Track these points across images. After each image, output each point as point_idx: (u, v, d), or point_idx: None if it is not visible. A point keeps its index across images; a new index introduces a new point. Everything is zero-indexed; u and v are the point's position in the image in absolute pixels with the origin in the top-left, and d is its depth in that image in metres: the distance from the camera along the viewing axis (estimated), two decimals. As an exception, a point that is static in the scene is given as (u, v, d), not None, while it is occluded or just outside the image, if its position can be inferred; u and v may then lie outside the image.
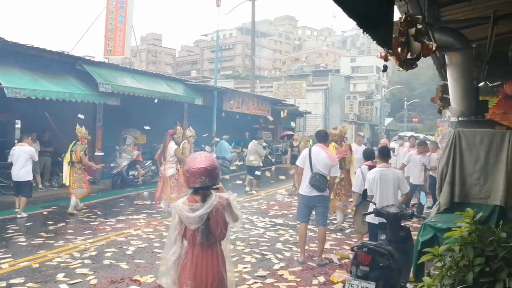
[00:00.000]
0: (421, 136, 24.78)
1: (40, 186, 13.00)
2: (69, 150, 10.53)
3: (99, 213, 10.31)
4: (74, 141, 10.57)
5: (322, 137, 6.89)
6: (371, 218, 5.65)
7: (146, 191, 13.59)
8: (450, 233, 2.57)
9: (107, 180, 14.44)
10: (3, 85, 10.17)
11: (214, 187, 3.30)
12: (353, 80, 59.40)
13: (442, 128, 28.50)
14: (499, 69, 6.42)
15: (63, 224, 9.03)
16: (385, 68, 3.74)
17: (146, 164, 15.42)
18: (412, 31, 3.05)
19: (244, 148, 22.51)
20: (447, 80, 6.49)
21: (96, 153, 13.76)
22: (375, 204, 5.19)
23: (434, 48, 3.15)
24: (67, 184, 10.46)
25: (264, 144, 19.93)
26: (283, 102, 26.78)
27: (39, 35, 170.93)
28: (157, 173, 15.95)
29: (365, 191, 5.26)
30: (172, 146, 10.00)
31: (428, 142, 12.72)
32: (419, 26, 3.04)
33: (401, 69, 3.35)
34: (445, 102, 6.43)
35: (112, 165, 14.34)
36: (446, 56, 4.62)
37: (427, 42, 3.15)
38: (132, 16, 19.62)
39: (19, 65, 11.52)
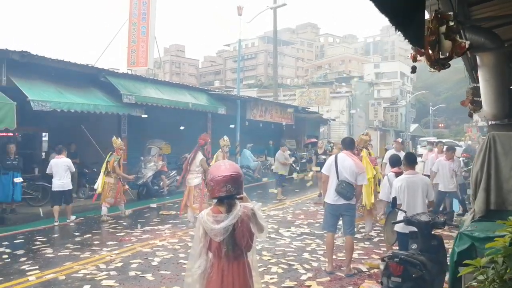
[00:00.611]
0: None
1: (67, 197, 13.09)
2: (105, 160, 11.18)
3: (125, 223, 10.31)
4: (110, 152, 11.22)
5: (348, 144, 6.72)
6: (400, 227, 5.45)
7: (171, 201, 13.59)
8: (492, 243, 2.40)
9: (133, 190, 14.45)
10: (29, 98, 10.30)
11: (238, 196, 3.19)
12: (377, 86, 58.87)
13: (470, 134, 27.94)
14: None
15: (90, 235, 9.05)
16: (413, 70, 3.56)
17: (171, 174, 15.46)
18: (443, 29, 2.89)
19: (268, 156, 22.43)
20: (477, 82, 6.27)
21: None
22: (405, 212, 4.98)
23: (467, 46, 2.98)
24: (100, 192, 10.93)
25: (289, 152, 19.84)
26: (306, 109, 26.59)
27: (63, 48, 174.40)
28: (182, 183, 16.07)
29: (394, 199, 5.06)
30: (199, 156, 9.96)
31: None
32: (451, 23, 2.88)
33: (432, 70, 3.19)
34: (476, 105, 6.20)
35: (137, 175, 14.43)
36: (477, 57, 4.42)
37: (460, 40, 2.98)
38: (155, 27, 19.76)
39: (44, 78, 11.69)
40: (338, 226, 6.80)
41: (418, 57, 3.13)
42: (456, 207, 6.18)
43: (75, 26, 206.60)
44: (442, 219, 4.58)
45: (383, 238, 8.34)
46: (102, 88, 13.15)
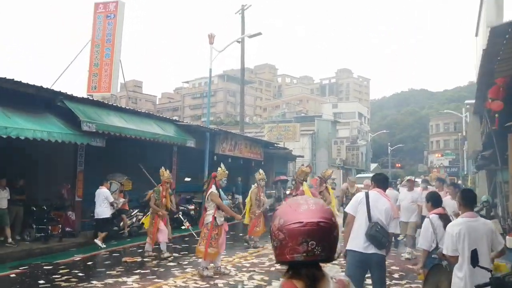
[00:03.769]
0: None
1: (10, 240, 11.01)
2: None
3: (80, 274, 8.46)
4: (158, 184, 10.88)
5: (383, 182, 5.43)
6: None
7: (133, 244, 11.85)
8: None
9: (88, 231, 12.59)
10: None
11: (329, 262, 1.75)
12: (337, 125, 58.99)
13: (438, 174, 27.59)
14: None
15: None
16: None
17: (132, 214, 13.67)
18: None
19: (236, 194, 20.92)
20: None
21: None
22: (490, 271, 3.62)
23: None
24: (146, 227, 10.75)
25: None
26: (275, 145, 25.45)
27: (16, 70, 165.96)
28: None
29: (474, 252, 3.66)
30: (211, 190, 8.44)
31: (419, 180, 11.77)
32: None
33: None
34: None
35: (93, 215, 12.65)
36: None
37: None
38: (121, 50, 18.17)
39: (-12, 100, 9.94)
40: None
41: None
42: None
43: (33, 46, 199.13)
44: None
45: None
46: (58, 113, 11.41)
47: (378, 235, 4.88)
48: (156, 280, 7.97)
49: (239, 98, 27.17)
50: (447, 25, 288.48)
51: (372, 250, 4.92)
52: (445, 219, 5.21)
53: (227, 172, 8.80)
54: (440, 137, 76.99)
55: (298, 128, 33.76)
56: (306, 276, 1.68)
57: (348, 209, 5.30)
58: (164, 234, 10.13)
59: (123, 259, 9.80)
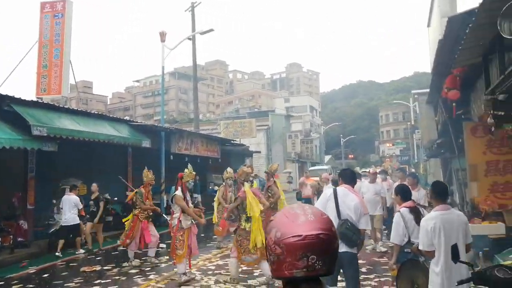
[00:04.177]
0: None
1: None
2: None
3: (35, 288, 8.06)
4: (141, 186, 10.18)
5: (350, 177, 5.38)
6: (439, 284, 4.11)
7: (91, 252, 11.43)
8: None
9: (42, 241, 12.03)
10: None
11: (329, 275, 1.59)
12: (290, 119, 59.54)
13: (391, 163, 28.19)
14: None
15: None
16: None
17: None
18: None
19: (195, 193, 20.65)
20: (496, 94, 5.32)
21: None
22: (471, 266, 3.62)
23: None
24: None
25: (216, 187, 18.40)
26: (232, 142, 25.27)
27: None
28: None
29: (454, 248, 3.65)
30: (176, 193, 8.15)
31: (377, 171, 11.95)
32: None
33: None
34: (499, 120, 5.23)
35: (48, 222, 12.13)
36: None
37: None
38: (70, 50, 17.44)
39: None
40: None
41: None
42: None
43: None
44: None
45: None
46: (6, 118, 10.81)
47: (349, 232, 4.82)
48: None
49: (191, 95, 26.83)
50: (392, 16, 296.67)
51: (343, 248, 4.81)
52: (416, 212, 5.16)
53: (194, 173, 8.53)
54: (390, 127, 79.17)
55: (254, 124, 33.77)
56: None
57: (317, 205, 5.24)
58: (136, 245, 9.75)
59: (82, 269, 9.38)
